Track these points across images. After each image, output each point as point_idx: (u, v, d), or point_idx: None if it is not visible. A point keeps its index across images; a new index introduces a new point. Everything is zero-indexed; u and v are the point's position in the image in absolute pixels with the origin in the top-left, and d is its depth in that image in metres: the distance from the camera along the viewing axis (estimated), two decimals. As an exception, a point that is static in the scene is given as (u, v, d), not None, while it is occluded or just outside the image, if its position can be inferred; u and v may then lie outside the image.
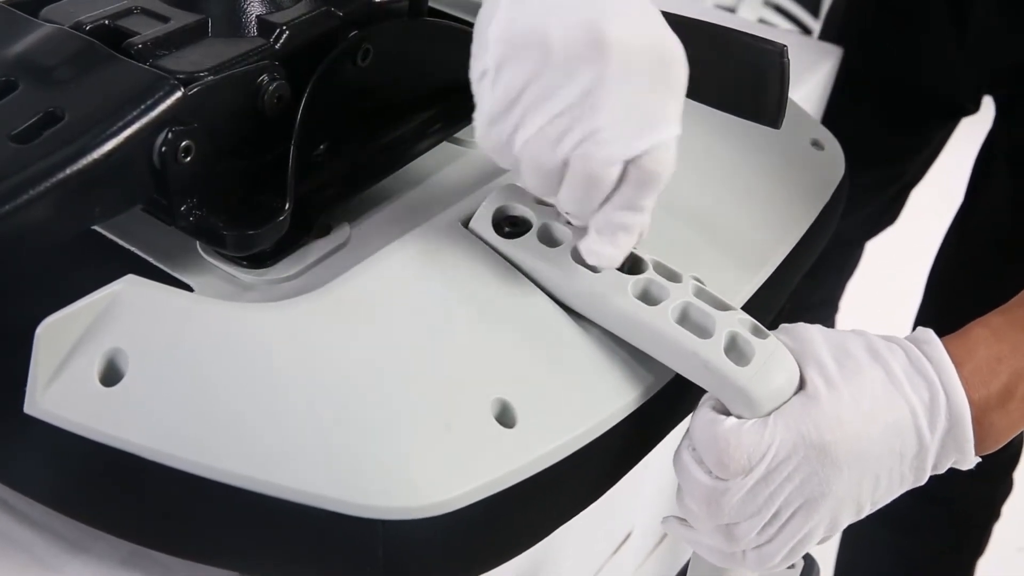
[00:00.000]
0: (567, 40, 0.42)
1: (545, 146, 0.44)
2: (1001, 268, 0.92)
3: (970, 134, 1.04)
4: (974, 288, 0.95)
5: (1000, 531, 1.14)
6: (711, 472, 0.46)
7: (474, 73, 0.44)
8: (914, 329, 0.49)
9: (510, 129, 0.44)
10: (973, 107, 0.99)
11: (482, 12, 0.44)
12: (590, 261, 0.47)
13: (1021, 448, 1.09)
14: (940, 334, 0.49)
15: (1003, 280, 0.55)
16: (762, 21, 1.63)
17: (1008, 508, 1.13)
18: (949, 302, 1.02)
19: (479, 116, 0.45)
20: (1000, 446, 0.49)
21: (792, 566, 0.56)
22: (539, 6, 0.42)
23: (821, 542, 0.49)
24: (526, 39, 0.42)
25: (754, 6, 1.67)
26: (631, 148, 0.44)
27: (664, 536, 0.92)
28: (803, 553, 0.48)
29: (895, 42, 0.96)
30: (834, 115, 0.97)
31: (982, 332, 0.49)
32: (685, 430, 0.48)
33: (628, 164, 0.44)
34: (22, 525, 0.49)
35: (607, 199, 0.45)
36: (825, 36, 1.04)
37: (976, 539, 1.14)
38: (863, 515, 0.48)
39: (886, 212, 1.13)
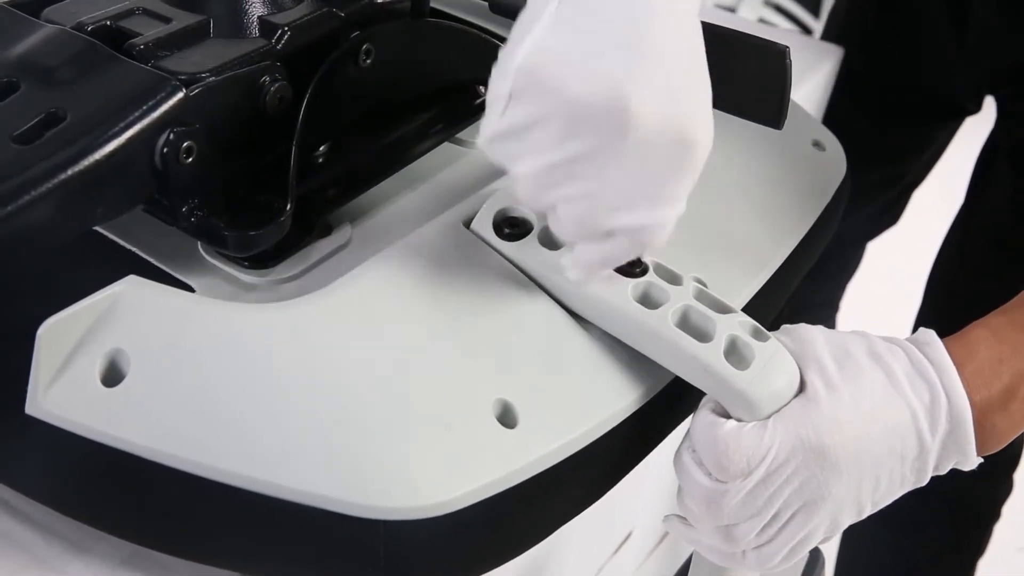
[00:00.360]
0: (587, 98, 0.40)
1: (536, 187, 0.43)
2: (1002, 269, 0.92)
3: (973, 134, 1.04)
4: (974, 289, 0.95)
5: (1000, 531, 1.14)
6: (710, 474, 0.46)
7: (490, 93, 0.43)
8: (914, 330, 0.49)
9: (509, 154, 0.43)
10: (974, 107, 0.99)
11: (514, 30, 0.42)
12: (566, 275, 0.47)
13: (1022, 449, 1.09)
14: (940, 335, 0.49)
15: (1004, 281, 0.55)
16: (762, 21, 1.63)
17: (1008, 508, 1.13)
18: (949, 303, 1.02)
19: (484, 128, 0.44)
20: (1002, 447, 0.49)
21: (798, 560, 0.56)
22: (570, 50, 0.40)
23: (823, 542, 0.49)
24: (546, 83, 0.41)
25: (754, 6, 1.67)
26: (620, 220, 0.43)
27: (664, 536, 0.92)
28: (803, 553, 0.48)
29: (895, 43, 0.96)
30: (835, 115, 0.97)
31: (983, 333, 0.49)
32: (686, 430, 0.48)
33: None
34: (23, 525, 0.49)
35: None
36: (827, 36, 1.04)
37: (976, 539, 1.14)
38: (864, 516, 0.48)
39: (887, 212, 1.13)
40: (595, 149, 0.41)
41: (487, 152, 0.44)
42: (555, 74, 0.40)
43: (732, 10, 1.63)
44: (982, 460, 0.48)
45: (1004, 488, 1.10)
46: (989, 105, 0.98)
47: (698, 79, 0.42)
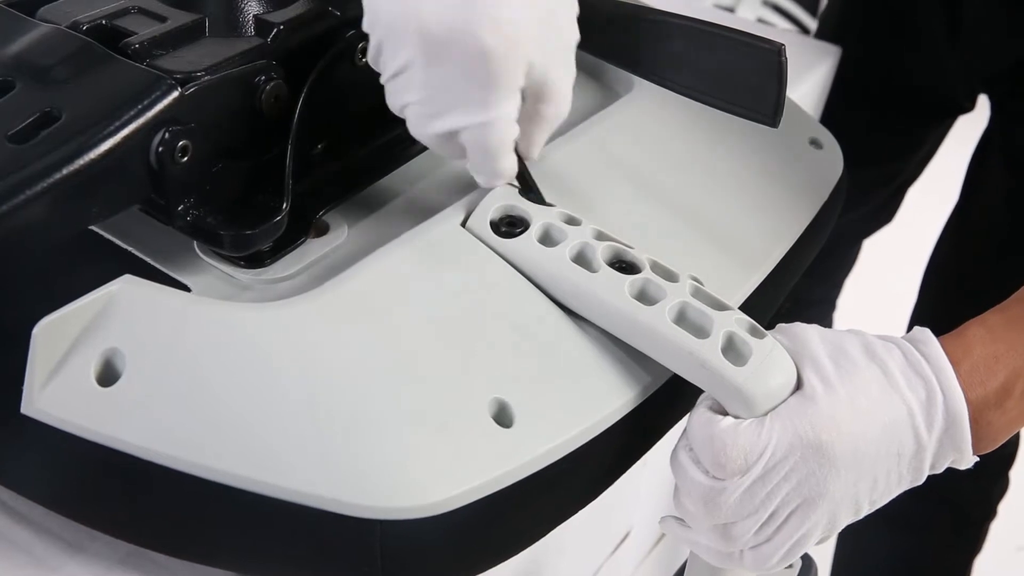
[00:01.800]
0: (390, 18, 0.46)
1: (389, 97, 0.50)
2: (996, 266, 0.92)
3: (967, 133, 1.04)
4: (969, 286, 0.95)
5: (999, 530, 1.14)
6: (708, 472, 0.46)
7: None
8: (910, 328, 0.49)
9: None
10: (969, 105, 0.99)
11: None
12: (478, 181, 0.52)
13: (1018, 447, 1.09)
14: (935, 333, 0.49)
15: (998, 278, 0.55)
16: (761, 21, 1.63)
17: (1007, 507, 1.13)
18: (944, 301, 1.02)
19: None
20: (998, 445, 0.49)
21: (790, 566, 0.56)
22: None
23: (820, 542, 0.49)
24: (375, 13, 0.47)
25: (753, 6, 1.66)
26: (443, 124, 0.48)
27: (663, 536, 0.92)
28: (801, 553, 0.48)
29: (889, 42, 0.96)
30: (832, 114, 0.97)
31: (979, 331, 0.49)
32: (683, 429, 0.48)
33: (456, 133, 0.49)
34: (20, 525, 0.49)
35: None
36: (820, 35, 1.04)
37: (973, 537, 1.14)
38: (861, 515, 0.48)
39: (883, 210, 1.13)
40: (407, 62, 0.47)
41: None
42: (374, 4, 0.47)
43: (731, 10, 1.63)
44: (978, 459, 0.48)
45: (1000, 486, 1.10)
46: (982, 103, 0.98)
47: None
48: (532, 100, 0.50)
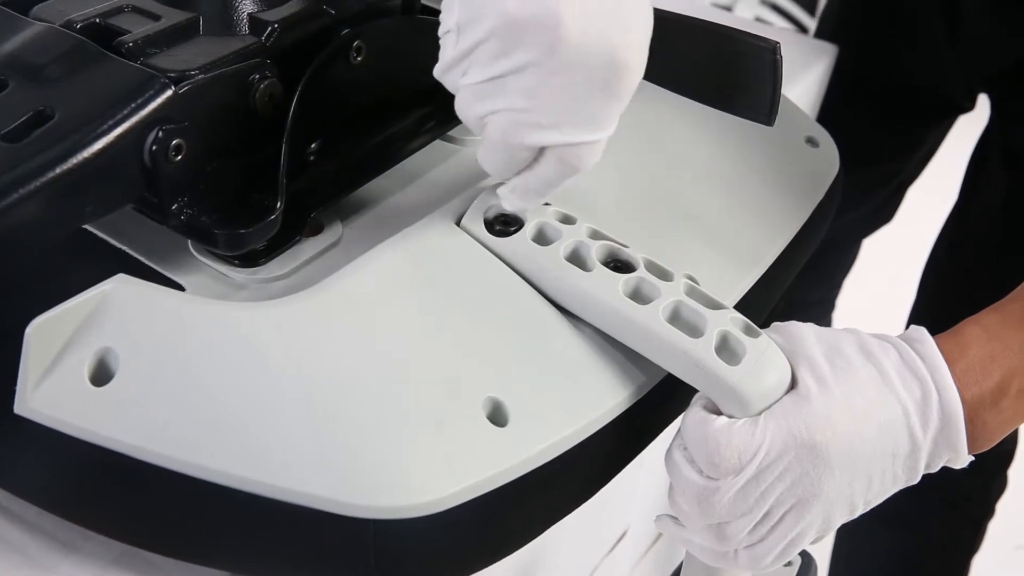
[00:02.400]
0: (521, 14, 0.42)
1: (471, 99, 0.45)
2: (994, 266, 0.92)
3: (967, 133, 1.04)
4: (967, 286, 0.95)
5: (998, 529, 1.14)
6: (702, 471, 0.46)
7: (441, 29, 0.46)
8: (907, 327, 0.49)
9: (459, 76, 0.46)
10: (968, 105, 0.99)
11: None
12: (503, 203, 0.49)
13: (1015, 445, 1.09)
14: (934, 333, 0.49)
15: (996, 278, 0.55)
16: (759, 20, 1.63)
17: (1006, 506, 1.13)
18: (942, 300, 1.02)
19: (439, 63, 0.46)
20: (993, 444, 0.49)
21: (789, 563, 0.56)
22: None
23: (815, 542, 0.49)
24: (486, 4, 0.42)
25: (751, 5, 1.66)
26: (544, 138, 0.45)
27: (660, 535, 0.92)
28: (796, 553, 0.48)
29: (887, 41, 0.96)
30: (830, 113, 0.97)
31: (975, 330, 0.49)
32: (678, 428, 0.48)
33: (544, 148, 0.46)
34: (14, 525, 0.49)
35: (523, 169, 0.47)
36: (819, 35, 1.04)
37: (971, 536, 1.14)
38: (856, 515, 0.48)
39: (882, 210, 1.13)
40: (525, 64, 0.43)
41: (443, 83, 0.47)
42: None
43: (729, 9, 1.63)
44: (973, 458, 0.48)
45: (997, 485, 1.10)
46: (983, 103, 0.98)
47: (635, 4, 0.43)
48: None
